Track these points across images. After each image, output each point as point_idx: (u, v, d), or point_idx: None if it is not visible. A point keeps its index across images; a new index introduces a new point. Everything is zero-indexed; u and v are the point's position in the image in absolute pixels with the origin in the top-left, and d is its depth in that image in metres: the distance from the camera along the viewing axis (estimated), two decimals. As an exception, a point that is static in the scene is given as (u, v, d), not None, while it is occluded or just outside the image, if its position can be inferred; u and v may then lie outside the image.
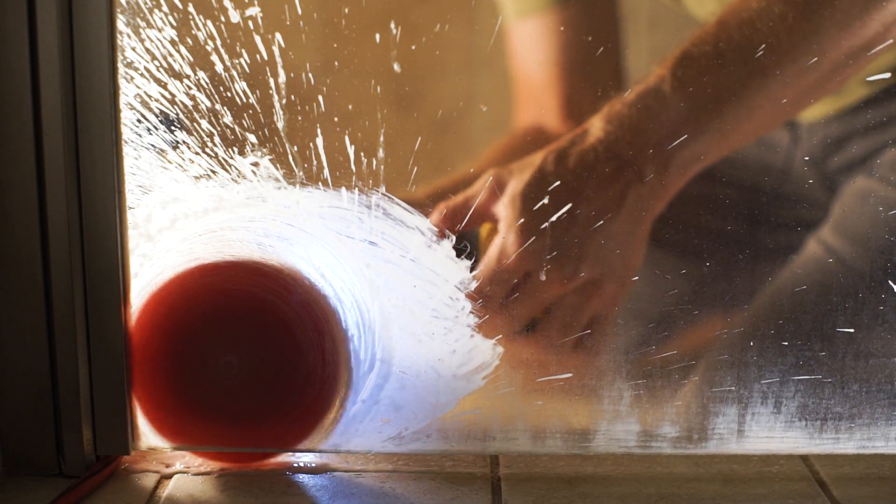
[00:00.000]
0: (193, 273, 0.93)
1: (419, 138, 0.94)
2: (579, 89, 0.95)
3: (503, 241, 0.95)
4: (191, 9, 0.92)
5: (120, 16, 0.90)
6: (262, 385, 0.93)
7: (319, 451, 0.98)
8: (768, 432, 0.99)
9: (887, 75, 0.94)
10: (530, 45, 0.95)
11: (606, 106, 0.94)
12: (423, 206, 0.95)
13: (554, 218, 0.95)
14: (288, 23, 0.92)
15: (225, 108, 0.94)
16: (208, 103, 0.93)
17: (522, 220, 0.95)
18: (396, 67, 0.93)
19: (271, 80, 0.93)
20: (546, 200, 0.94)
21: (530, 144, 0.95)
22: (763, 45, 0.91)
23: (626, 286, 0.97)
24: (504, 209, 0.95)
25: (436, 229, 0.96)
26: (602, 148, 0.94)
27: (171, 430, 0.95)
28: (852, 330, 0.97)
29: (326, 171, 0.95)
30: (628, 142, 0.94)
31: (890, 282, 0.97)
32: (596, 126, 0.94)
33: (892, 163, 0.96)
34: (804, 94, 0.94)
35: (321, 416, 0.94)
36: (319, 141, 0.94)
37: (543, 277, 0.95)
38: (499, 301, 0.96)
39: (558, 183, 0.94)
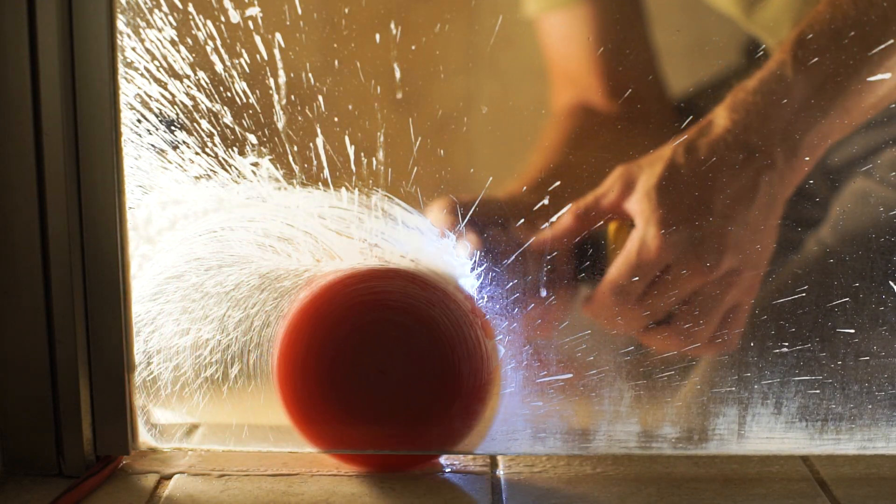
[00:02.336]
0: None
1: (419, 138, 0.94)
2: (618, 66, 0.95)
3: (642, 234, 0.95)
4: (191, 9, 0.92)
5: (120, 16, 0.90)
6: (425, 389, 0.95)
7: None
8: (769, 433, 0.99)
9: (888, 75, 0.94)
10: (564, 32, 0.95)
11: (730, 95, 0.94)
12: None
13: (688, 209, 0.94)
14: (288, 23, 0.92)
15: (225, 108, 0.94)
16: (208, 103, 0.93)
17: (660, 212, 0.94)
18: (396, 67, 0.93)
19: (271, 80, 0.93)
20: (680, 192, 0.94)
21: (580, 125, 0.95)
22: (878, 18, 0.91)
23: (762, 274, 0.97)
24: (639, 204, 0.95)
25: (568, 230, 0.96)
26: (730, 137, 0.94)
27: (325, 436, 0.97)
28: (852, 330, 0.97)
29: (327, 172, 0.95)
30: (755, 129, 0.94)
31: (890, 282, 0.97)
32: (721, 115, 0.94)
33: (892, 163, 0.96)
34: None
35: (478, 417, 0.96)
36: (319, 141, 0.94)
37: (683, 270, 0.95)
38: (637, 295, 0.96)
39: (690, 175, 0.94)
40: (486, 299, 0.97)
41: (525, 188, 0.96)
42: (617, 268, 0.96)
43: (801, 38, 0.93)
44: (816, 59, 0.92)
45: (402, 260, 0.96)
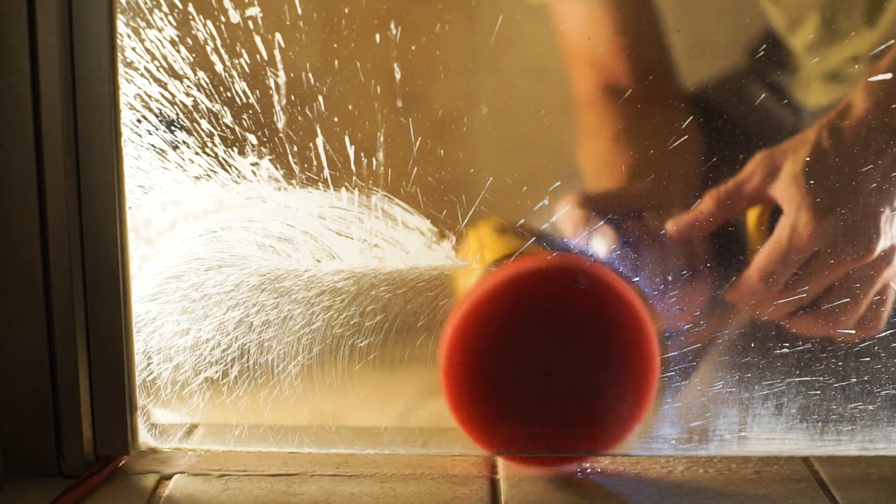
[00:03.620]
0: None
1: (419, 138, 0.94)
2: (640, 44, 0.95)
3: (793, 220, 0.94)
4: (191, 9, 0.92)
5: (120, 16, 0.90)
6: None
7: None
8: (769, 434, 0.99)
9: (888, 76, 0.94)
10: (581, 15, 0.95)
11: (864, 77, 0.93)
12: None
13: (837, 193, 0.94)
14: (288, 23, 0.92)
15: (225, 108, 0.94)
16: (208, 103, 0.93)
17: (810, 197, 0.94)
18: (396, 67, 0.93)
19: (271, 80, 0.93)
20: (827, 176, 0.94)
21: (609, 105, 0.95)
22: None
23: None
24: (786, 190, 0.94)
25: (704, 217, 0.95)
26: (871, 118, 0.93)
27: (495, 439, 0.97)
28: (853, 330, 0.97)
29: (327, 172, 0.95)
30: (893, 110, 0.93)
31: (890, 282, 0.97)
32: (859, 97, 0.93)
33: (893, 163, 0.96)
34: None
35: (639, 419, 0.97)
36: (319, 141, 0.94)
37: (834, 255, 0.95)
38: (784, 282, 0.96)
39: (836, 157, 0.94)
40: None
41: (624, 181, 0.95)
42: (766, 254, 0.95)
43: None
44: None
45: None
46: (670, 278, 0.97)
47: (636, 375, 0.95)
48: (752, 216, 0.96)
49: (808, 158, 0.94)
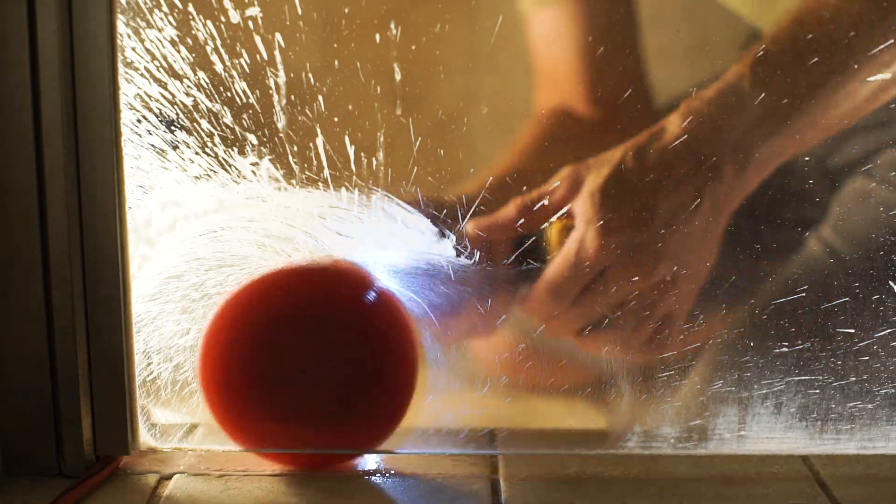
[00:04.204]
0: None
1: (419, 138, 0.94)
2: (604, 73, 0.95)
3: (581, 236, 0.95)
4: (191, 9, 0.92)
5: (120, 16, 0.90)
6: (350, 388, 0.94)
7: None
8: (769, 433, 0.99)
9: (888, 76, 0.94)
10: (551, 31, 0.95)
11: (684, 103, 0.94)
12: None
13: (631, 214, 0.94)
14: (288, 23, 0.92)
15: (225, 108, 0.94)
16: (208, 103, 0.93)
17: (601, 215, 0.94)
18: (396, 67, 0.93)
19: (271, 80, 0.93)
20: (623, 196, 0.94)
21: (559, 130, 0.95)
22: (843, 42, 0.91)
23: (699, 284, 0.96)
24: (582, 205, 0.95)
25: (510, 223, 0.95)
26: (681, 145, 0.94)
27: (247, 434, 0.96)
28: (852, 330, 0.97)
29: (327, 172, 0.95)
30: (707, 139, 0.93)
31: (890, 282, 0.97)
32: (674, 123, 0.94)
33: (893, 163, 0.96)
34: (882, 90, 0.93)
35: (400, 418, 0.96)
36: (319, 141, 0.94)
37: (619, 274, 0.95)
38: (571, 297, 0.96)
39: (636, 179, 0.94)
40: (418, 293, 0.96)
41: (487, 187, 0.95)
42: (554, 266, 0.96)
43: (763, 53, 0.93)
44: (775, 75, 0.92)
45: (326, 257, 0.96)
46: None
47: (395, 375, 0.95)
48: (555, 230, 0.96)
49: (607, 177, 0.94)
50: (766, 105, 0.93)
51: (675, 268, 0.95)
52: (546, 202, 0.95)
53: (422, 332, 0.97)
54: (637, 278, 0.95)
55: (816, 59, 0.91)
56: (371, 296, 0.95)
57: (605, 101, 0.95)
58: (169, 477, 0.97)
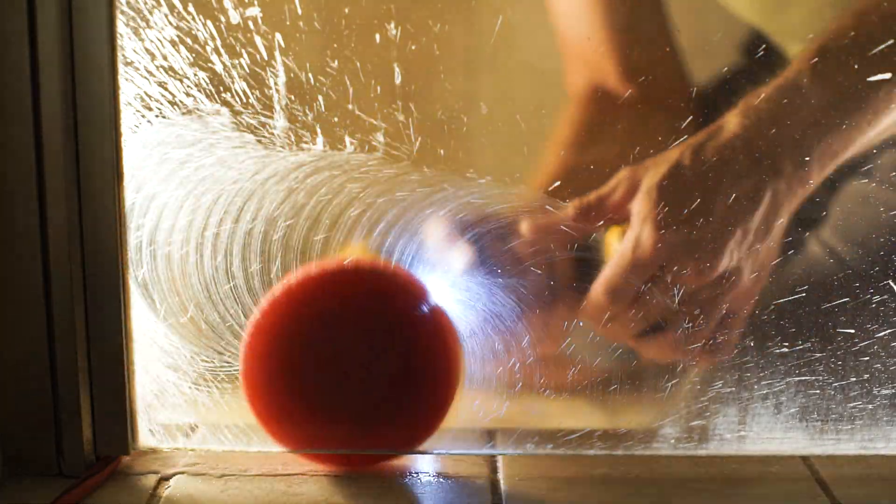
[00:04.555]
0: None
1: (419, 138, 0.94)
2: (634, 49, 0.94)
3: (638, 234, 0.94)
4: (191, 9, 0.92)
5: (120, 16, 0.90)
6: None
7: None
8: (769, 433, 0.99)
9: (888, 76, 0.94)
10: (579, 11, 0.95)
11: (743, 100, 0.93)
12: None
13: (689, 212, 0.94)
14: (288, 23, 0.92)
15: (225, 108, 0.94)
16: (208, 103, 0.93)
17: (658, 213, 0.93)
18: (396, 67, 0.93)
19: (271, 80, 0.93)
20: (681, 193, 0.93)
21: (597, 110, 0.94)
22: None
23: (760, 283, 0.96)
24: (639, 203, 0.94)
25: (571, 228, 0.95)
26: (739, 143, 0.93)
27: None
28: (852, 330, 0.97)
29: (326, 172, 0.95)
30: (765, 136, 0.92)
31: (890, 282, 0.97)
32: (732, 121, 0.93)
33: (893, 163, 0.96)
34: None
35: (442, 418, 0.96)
36: (319, 141, 0.94)
37: (677, 273, 0.94)
38: (631, 297, 0.95)
39: (694, 176, 0.93)
40: (476, 299, 0.96)
41: (545, 186, 0.95)
42: (611, 267, 0.95)
43: (821, 49, 0.92)
44: (835, 72, 0.91)
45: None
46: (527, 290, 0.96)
47: (436, 379, 0.95)
48: (614, 234, 0.96)
49: (665, 175, 0.93)
50: (825, 103, 0.92)
51: (733, 265, 0.94)
52: (605, 205, 0.95)
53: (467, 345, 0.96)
54: (694, 276, 0.94)
55: (876, 55, 0.91)
56: (421, 303, 0.94)
57: (638, 74, 0.94)
58: (169, 477, 0.97)
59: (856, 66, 0.91)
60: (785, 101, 0.92)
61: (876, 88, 0.91)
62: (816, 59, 0.91)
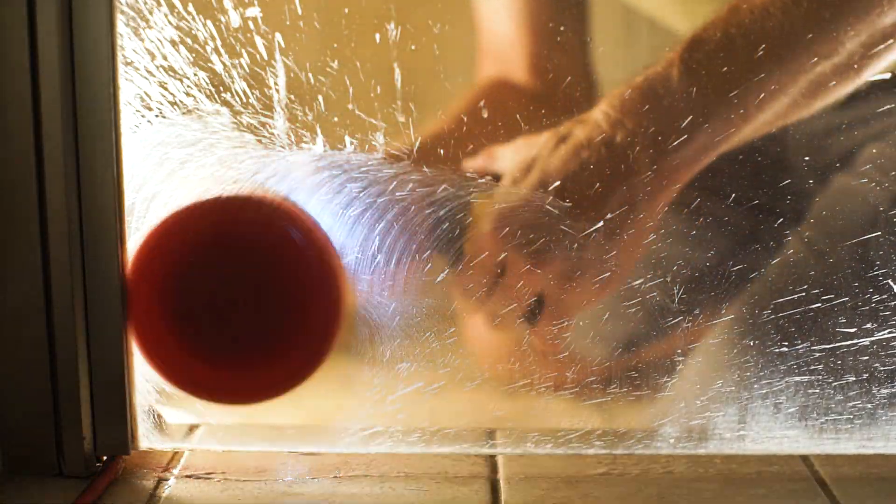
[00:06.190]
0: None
1: (419, 138, 0.94)
2: (544, 43, 0.93)
3: (481, 231, 0.94)
4: (191, 9, 0.92)
5: (120, 16, 0.90)
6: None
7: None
8: (768, 432, 0.99)
9: (888, 76, 0.94)
10: (499, 7, 0.94)
11: (614, 91, 0.92)
12: None
13: (549, 201, 0.93)
14: (288, 23, 0.92)
15: (225, 108, 0.94)
16: (208, 103, 0.93)
17: (517, 204, 0.93)
18: (396, 67, 0.93)
19: (271, 80, 0.93)
20: (545, 183, 0.93)
21: (498, 98, 0.94)
22: (776, 32, 0.89)
23: (625, 277, 0.95)
24: (500, 188, 0.94)
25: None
26: (606, 134, 0.92)
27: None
28: (852, 330, 0.97)
29: (326, 172, 0.95)
30: (633, 128, 0.91)
31: (890, 282, 0.97)
32: (600, 111, 0.92)
33: (889, 160, 0.96)
34: (818, 84, 0.91)
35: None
36: (319, 140, 0.94)
37: (532, 267, 0.94)
38: (486, 283, 0.95)
39: (559, 165, 0.93)
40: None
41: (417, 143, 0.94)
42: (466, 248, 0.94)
43: (694, 41, 0.90)
44: (705, 64, 0.89)
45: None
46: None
47: (320, 308, 0.93)
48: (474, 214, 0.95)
49: (526, 164, 0.92)
50: (695, 95, 0.90)
51: (597, 259, 0.93)
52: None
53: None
54: (537, 270, 0.94)
55: (749, 49, 0.89)
56: (296, 229, 0.93)
57: (546, 75, 0.93)
58: (169, 477, 0.97)
59: (726, 61, 0.89)
60: (654, 92, 0.90)
61: (746, 82, 0.90)
62: (688, 51, 0.90)
